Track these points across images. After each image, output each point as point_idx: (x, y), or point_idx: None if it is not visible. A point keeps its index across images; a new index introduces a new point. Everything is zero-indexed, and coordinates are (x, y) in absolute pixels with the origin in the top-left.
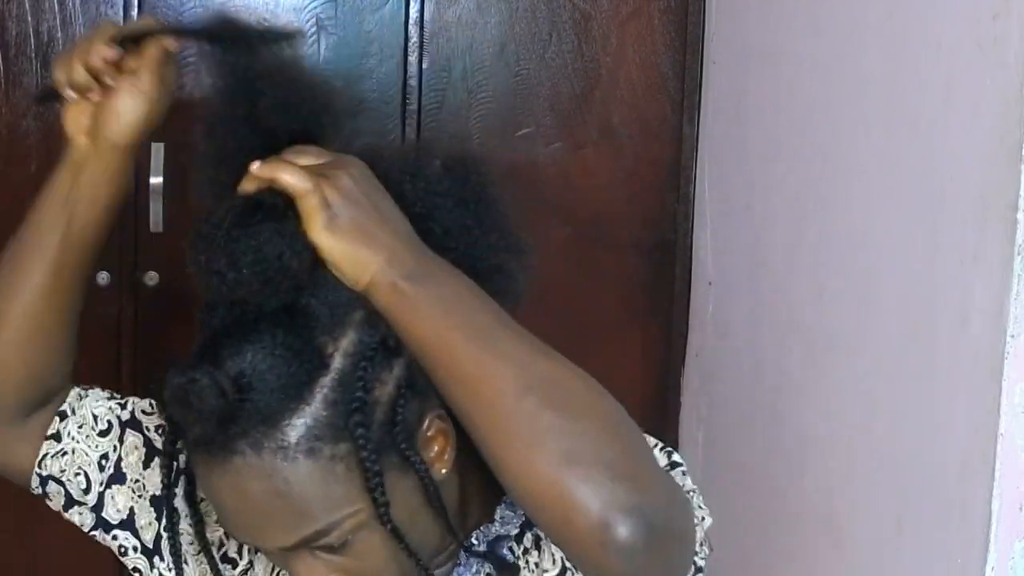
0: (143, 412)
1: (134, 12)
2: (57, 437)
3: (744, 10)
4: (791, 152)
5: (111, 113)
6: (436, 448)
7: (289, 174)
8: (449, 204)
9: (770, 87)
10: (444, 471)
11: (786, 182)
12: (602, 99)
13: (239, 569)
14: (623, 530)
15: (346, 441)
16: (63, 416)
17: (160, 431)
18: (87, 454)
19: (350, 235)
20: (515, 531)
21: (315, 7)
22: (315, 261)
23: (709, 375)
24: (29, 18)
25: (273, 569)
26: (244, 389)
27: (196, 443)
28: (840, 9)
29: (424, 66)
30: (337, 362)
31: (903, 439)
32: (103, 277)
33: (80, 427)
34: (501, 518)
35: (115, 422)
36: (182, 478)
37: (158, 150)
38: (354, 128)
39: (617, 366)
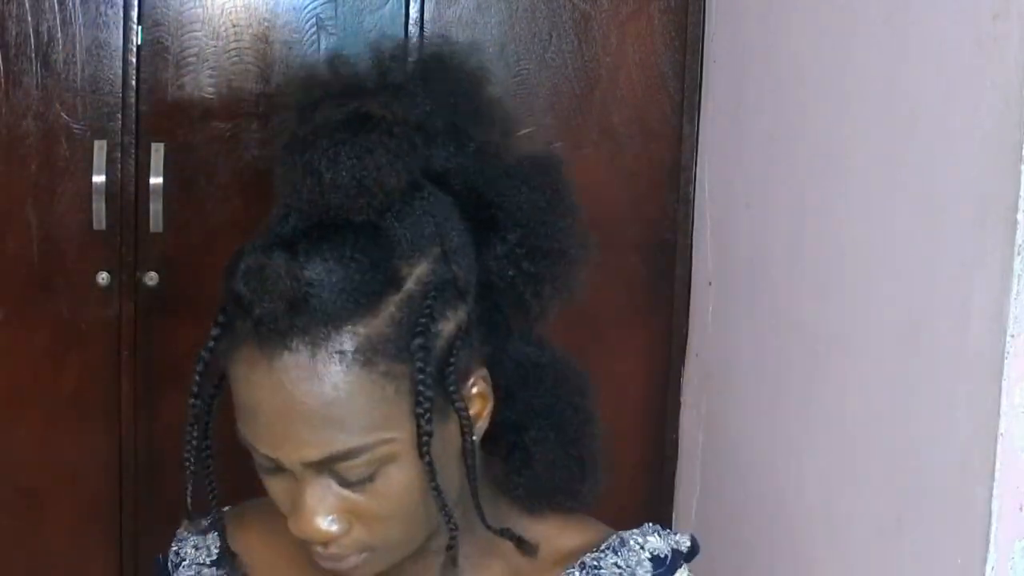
0: None
1: (134, 12)
2: None
3: (744, 10)
4: (791, 152)
5: None
6: (475, 409)
7: None
8: (524, 188)
9: (770, 87)
10: (475, 438)
11: (786, 182)
12: (602, 99)
13: None
14: None
15: (403, 363)
16: None
17: None
18: None
19: None
20: None
21: (315, 7)
22: (410, 186)
23: (709, 375)
24: (29, 18)
25: None
26: (315, 284)
27: (257, 325)
28: (840, 9)
29: None
30: (409, 285)
31: (903, 439)
32: (103, 277)
33: None
34: (629, 566)
35: None
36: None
37: (158, 150)
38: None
39: (617, 366)
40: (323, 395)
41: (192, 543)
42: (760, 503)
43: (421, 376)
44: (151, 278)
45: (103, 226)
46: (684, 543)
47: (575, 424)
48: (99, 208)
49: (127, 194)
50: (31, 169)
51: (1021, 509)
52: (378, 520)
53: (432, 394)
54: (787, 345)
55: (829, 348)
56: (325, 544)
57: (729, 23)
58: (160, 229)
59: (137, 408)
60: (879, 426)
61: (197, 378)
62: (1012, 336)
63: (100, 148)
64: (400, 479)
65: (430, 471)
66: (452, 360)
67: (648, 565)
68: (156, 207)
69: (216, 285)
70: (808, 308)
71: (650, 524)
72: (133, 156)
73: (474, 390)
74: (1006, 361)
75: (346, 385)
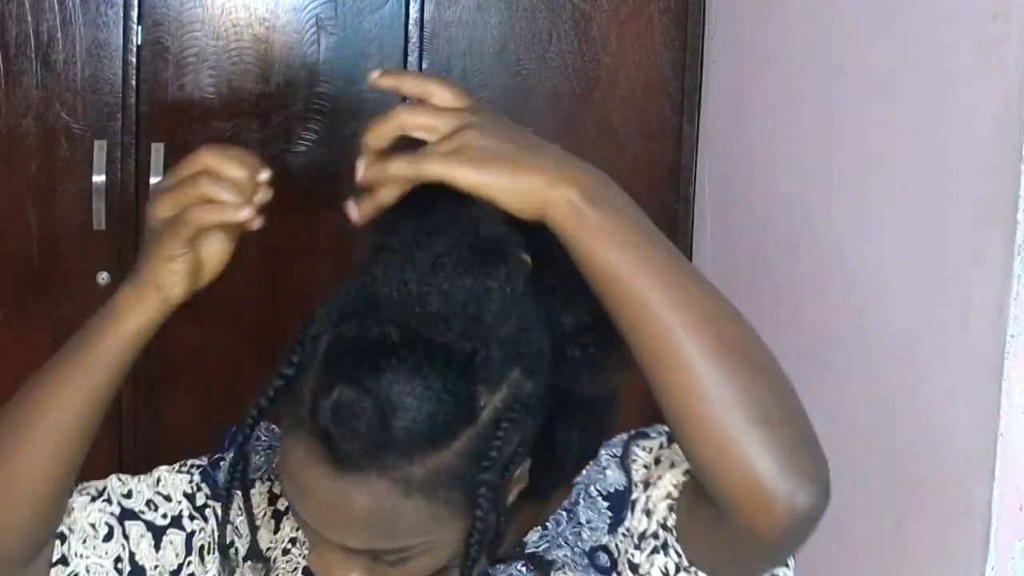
0: (123, 496)
1: (134, 12)
2: (64, 561)
3: (744, 10)
4: (791, 152)
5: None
6: (508, 487)
7: (425, 116)
8: None
9: (770, 87)
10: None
11: (786, 182)
12: (602, 99)
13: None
14: (807, 499)
15: (463, 491)
16: (63, 538)
17: (150, 505)
18: (102, 565)
19: (499, 165)
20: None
21: (315, 7)
22: (522, 324)
23: None
24: (29, 18)
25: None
26: (401, 419)
27: (336, 456)
28: (840, 9)
29: (424, 66)
30: (484, 416)
31: (903, 439)
32: (103, 277)
33: (84, 541)
34: (589, 521)
35: (113, 522)
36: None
37: (158, 150)
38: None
39: None
40: (380, 511)
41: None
42: None
43: (479, 512)
44: None
45: (103, 226)
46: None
47: (598, 415)
48: (99, 208)
49: (127, 194)
50: (31, 169)
51: (1021, 509)
52: None
53: (487, 525)
54: (787, 345)
55: (829, 348)
56: None
57: (729, 23)
58: None
59: (137, 408)
60: (879, 426)
61: (247, 430)
62: (1012, 336)
63: (100, 148)
64: (432, 561)
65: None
66: (507, 475)
67: (604, 506)
68: None
69: (215, 288)
70: (808, 308)
71: (609, 454)
72: (133, 156)
73: (515, 475)
74: (1006, 361)
75: (404, 509)
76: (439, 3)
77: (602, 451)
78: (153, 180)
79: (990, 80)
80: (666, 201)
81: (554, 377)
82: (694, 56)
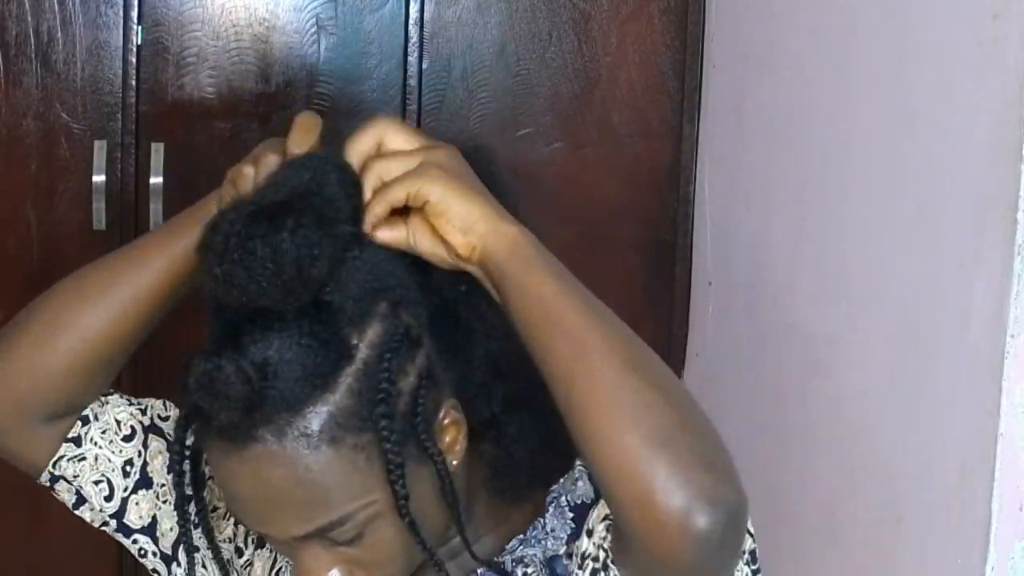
0: (159, 417)
1: (134, 12)
2: (77, 441)
3: (744, 11)
4: (791, 152)
5: None
6: (448, 438)
7: (398, 188)
8: None
9: (770, 87)
10: (455, 462)
11: (786, 182)
12: (602, 99)
13: (244, 559)
14: (703, 519)
15: (369, 431)
16: (85, 421)
17: None
18: (111, 460)
19: (462, 186)
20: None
21: (315, 7)
22: (334, 263)
23: (709, 375)
24: (29, 18)
25: (272, 566)
26: (269, 376)
27: (220, 430)
28: (840, 9)
29: (424, 66)
30: (362, 353)
31: (903, 439)
32: None
33: (104, 432)
34: (553, 530)
35: (138, 428)
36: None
37: (158, 150)
38: None
39: None
40: (297, 478)
41: None
42: (760, 503)
43: (388, 445)
44: None
45: (103, 226)
46: None
47: (554, 408)
48: (99, 208)
49: (127, 194)
50: (31, 169)
51: (1021, 509)
52: (377, 564)
53: (402, 458)
54: (787, 345)
55: (829, 348)
56: None
57: (729, 23)
58: None
59: None
60: (879, 426)
61: (176, 465)
62: (1012, 336)
63: (100, 148)
64: (389, 531)
65: (413, 528)
66: (419, 411)
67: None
68: (156, 207)
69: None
70: (808, 308)
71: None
72: (133, 156)
73: (445, 421)
74: (1006, 361)
75: (317, 465)
76: (439, 3)
77: (578, 462)
78: (153, 180)
79: (990, 80)
80: (666, 201)
81: (454, 311)
82: (694, 56)
